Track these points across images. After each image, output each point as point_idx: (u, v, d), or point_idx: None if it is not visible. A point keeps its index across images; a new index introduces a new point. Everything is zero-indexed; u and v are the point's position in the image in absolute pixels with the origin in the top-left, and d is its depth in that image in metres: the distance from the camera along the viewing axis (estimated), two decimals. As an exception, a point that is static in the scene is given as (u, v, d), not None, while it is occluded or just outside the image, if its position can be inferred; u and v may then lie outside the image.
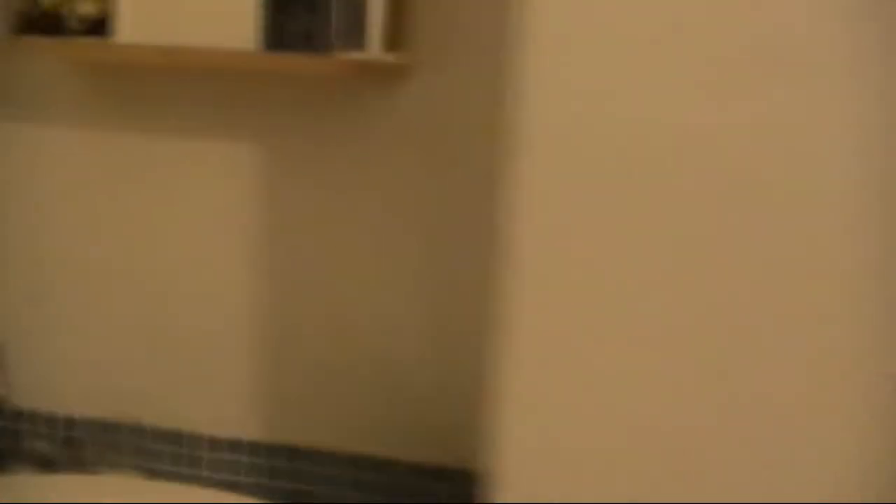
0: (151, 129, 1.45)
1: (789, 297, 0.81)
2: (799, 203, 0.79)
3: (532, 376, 0.89)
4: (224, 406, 1.50)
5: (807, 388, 0.83)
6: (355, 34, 1.27)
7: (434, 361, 1.43)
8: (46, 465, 1.53)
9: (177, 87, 1.43)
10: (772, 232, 0.80)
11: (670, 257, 0.83)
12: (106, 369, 1.53)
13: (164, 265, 1.48)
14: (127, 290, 1.51)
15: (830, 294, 0.80)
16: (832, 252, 0.79)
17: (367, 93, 1.37)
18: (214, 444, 1.51)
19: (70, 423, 1.54)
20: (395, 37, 1.30)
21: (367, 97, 1.37)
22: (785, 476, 0.84)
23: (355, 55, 1.26)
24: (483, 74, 1.32)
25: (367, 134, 1.38)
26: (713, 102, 0.79)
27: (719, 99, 0.79)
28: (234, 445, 1.50)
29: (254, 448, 1.49)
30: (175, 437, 1.52)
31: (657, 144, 0.81)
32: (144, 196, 1.47)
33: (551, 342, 0.88)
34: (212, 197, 1.45)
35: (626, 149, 0.82)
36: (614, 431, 0.88)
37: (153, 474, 1.53)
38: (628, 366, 0.86)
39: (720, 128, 0.79)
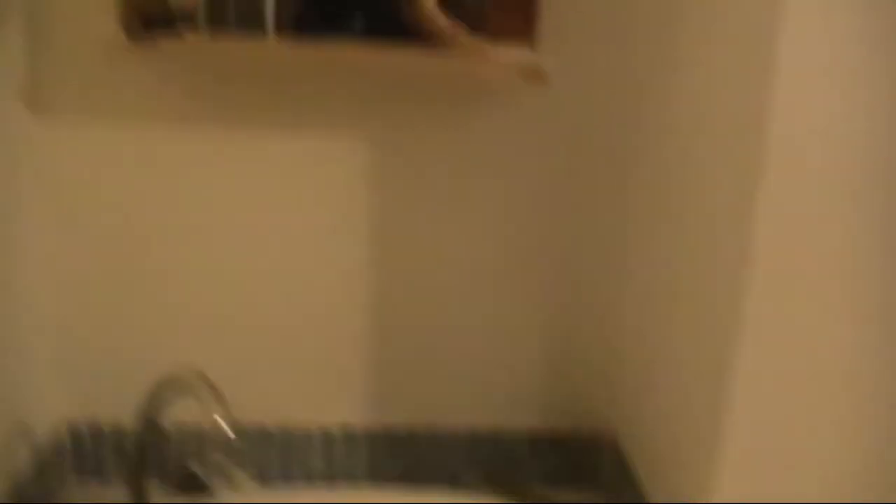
0: (257, 123, 1.41)
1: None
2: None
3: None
4: (332, 396, 1.51)
5: None
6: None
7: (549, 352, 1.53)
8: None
9: (283, 81, 1.38)
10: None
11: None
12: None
13: (272, 259, 1.47)
14: (229, 286, 1.48)
15: None
16: None
17: (495, 91, 1.41)
18: (327, 436, 1.52)
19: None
20: (526, 35, 1.32)
21: (494, 95, 1.41)
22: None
23: (502, 55, 1.29)
24: (617, 85, 1.41)
25: (490, 133, 1.44)
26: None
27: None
28: (349, 436, 1.52)
29: (368, 435, 1.52)
30: (284, 435, 1.51)
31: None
32: (254, 192, 1.45)
33: (780, 348, 1.05)
34: (324, 190, 1.45)
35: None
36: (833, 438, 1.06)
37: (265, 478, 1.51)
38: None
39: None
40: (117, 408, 1.47)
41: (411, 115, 1.42)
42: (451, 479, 1.55)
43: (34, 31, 1.34)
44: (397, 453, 1.54)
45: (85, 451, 1.51)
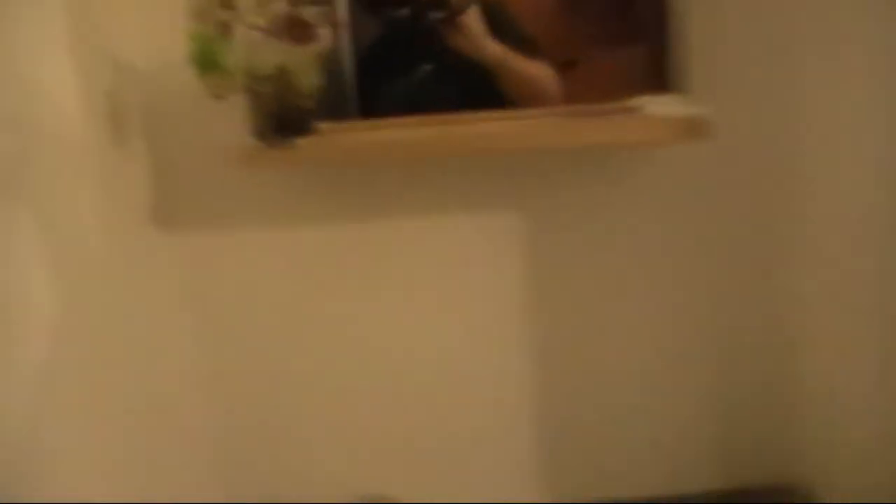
0: (399, 211, 1.36)
1: None
2: None
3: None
4: (503, 476, 1.44)
5: None
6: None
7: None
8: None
9: (422, 166, 1.33)
10: None
11: None
12: (357, 459, 1.42)
13: (430, 350, 1.41)
14: (384, 379, 1.42)
15: None
16: None
17: (648, 146, 1.32)
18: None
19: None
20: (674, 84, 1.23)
21: (647, 150, 1.32)
22: None
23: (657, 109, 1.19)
24: (781, 132, 1.31)
25: (644, 190, 1.36)
26: None
27: None
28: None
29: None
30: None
31: None
32: (405, 276, 1.39)
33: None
34: (476, 271, 1.38)
35: None
36: None
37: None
38: None
39: None
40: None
41: (560, 181, 1.34)
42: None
43: (157, 146, 1.30)
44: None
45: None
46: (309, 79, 1.18)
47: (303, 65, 1.18)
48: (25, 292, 0.96)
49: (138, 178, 1.30)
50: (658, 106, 1.23)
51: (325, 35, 1.19)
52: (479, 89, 1.30)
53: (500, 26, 1.29)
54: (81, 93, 1.13)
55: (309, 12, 1.18)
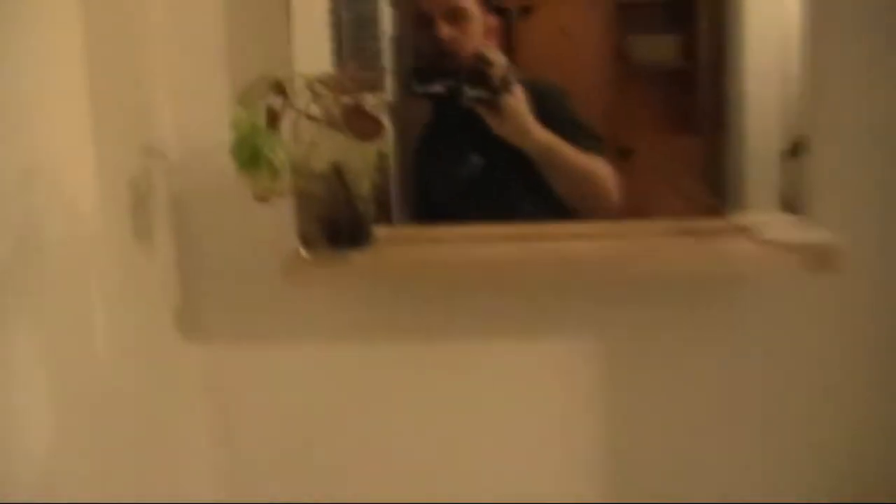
0: (466, 329, 1.18)
1: None
2: None
3: None
4: None
5: None
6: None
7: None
8: None
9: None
10: None
11: None
12: None
13: (486, 480, 1.22)
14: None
15: None
16: None
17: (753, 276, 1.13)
18: None
19: None
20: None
21: (751, 281, 1.13)
22: None
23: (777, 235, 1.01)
24: None
25: (746, 329, 1.16)
26: None
27: None
28: None
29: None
30: None
31: None
32: (462, 403, 1.21)
33: None
34: (546, 399, 1.20)
35: None
36: None
37: None
38: None
39: None
40: None
41: (643, 302, 1.15)
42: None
43: (186, 245, 1.15)
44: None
45: None
46: (368, 179, 1.01)
47: (362, 162, 1.00)
48: (23, 412, 0.82)
49: (162, 280, 1.13)
50: (774, 228, 1.05)
51: (388, 128, 1.02)
52: (540, 187, 1.12)
53: (554, 113, 1.12)
54: (100, 180, 0.97)
55: (371, 101, 1.01)
